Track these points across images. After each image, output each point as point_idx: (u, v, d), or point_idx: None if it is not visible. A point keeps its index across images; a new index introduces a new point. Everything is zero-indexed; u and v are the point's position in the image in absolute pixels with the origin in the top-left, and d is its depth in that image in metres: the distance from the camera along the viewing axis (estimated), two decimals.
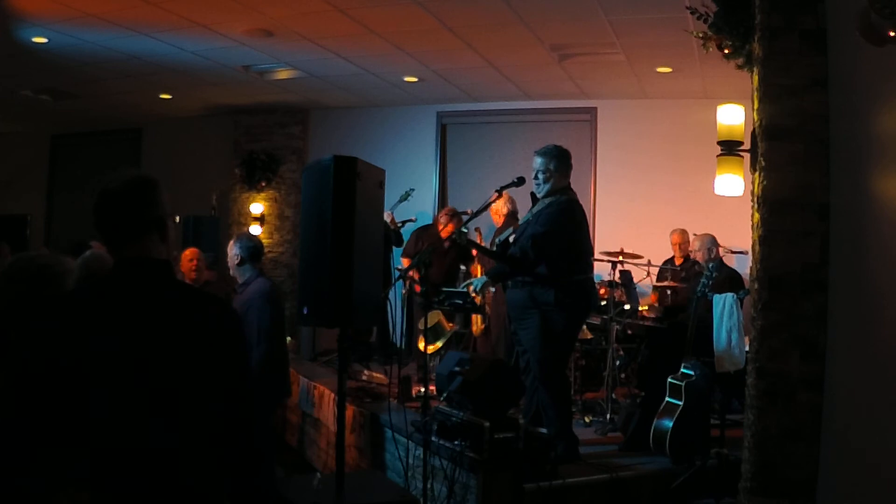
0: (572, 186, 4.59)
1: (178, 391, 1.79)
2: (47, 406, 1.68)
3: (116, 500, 1.69)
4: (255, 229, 9.24)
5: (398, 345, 6.81)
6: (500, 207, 6.28)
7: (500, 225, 6.53)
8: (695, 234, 6.43)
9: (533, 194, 4.50)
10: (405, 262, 6.96)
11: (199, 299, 1.95)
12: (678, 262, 6.88)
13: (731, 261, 6.81)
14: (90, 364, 1.71)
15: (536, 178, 4.39)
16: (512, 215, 6.48)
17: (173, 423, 1.77)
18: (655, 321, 5.93)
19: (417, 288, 6.49)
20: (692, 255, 6.27)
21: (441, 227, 6.73)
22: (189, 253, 5.94)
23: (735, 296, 4.37)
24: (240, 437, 1.90)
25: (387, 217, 7.28)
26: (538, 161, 4.39)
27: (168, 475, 1.75)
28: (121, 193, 1.85)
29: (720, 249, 6.40)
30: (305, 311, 3.38)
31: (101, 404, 1.71)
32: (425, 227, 7.18)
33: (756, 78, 3.31)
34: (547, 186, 4.38)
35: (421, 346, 5.20)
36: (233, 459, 1.88)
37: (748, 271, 3.56)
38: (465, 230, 4.38)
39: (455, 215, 6.74)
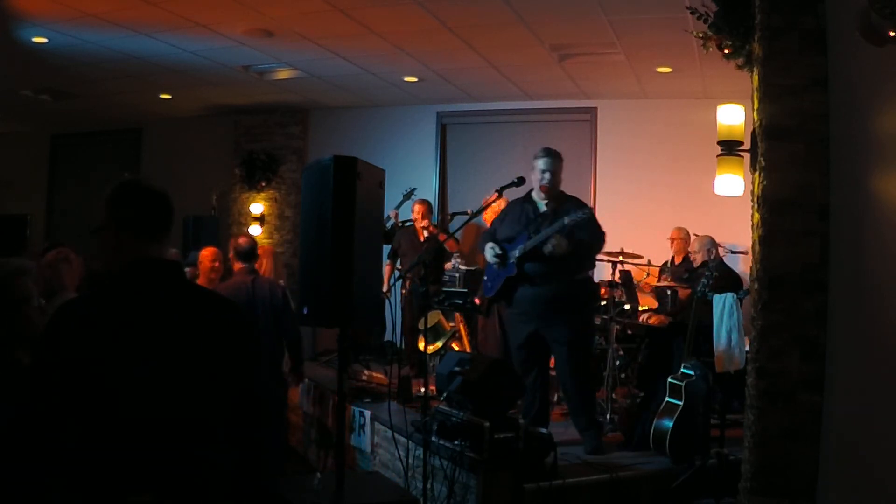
0: (572, 186, 4.75)
1: (197, 389, 1.83)
2: (72, 401, 1.71)
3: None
4: (255, 229, 9.24)
5: (398, 345, 6.82)
6: (498, 207, 6.34)
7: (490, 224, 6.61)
8: (695, 235, 6.43)
9: (529, 193, 4.68)
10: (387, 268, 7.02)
11: (211, 299, 2.02)
12: (678, 260, 6.88)
13: (735, 261, 6.81)
14: (118, 363, 1.74)
15: (542, 177, 4.55)
16: None
17: (192, 419, 1.82)
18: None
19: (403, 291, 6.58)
20: (691, 257, 6.26)
21: (415, 218, 6.83)
22: (209, 253, 5.75)
23: (735, 296, 4.36)
24: (246, 434, 1.92)
25: (391, 215, 7.30)
26: (548, 161, 4.55)
27: (179, 471, 1.77)
28: (164, 196, 1.93)
29: (720, 249, 6.40)
30: (305, 311, 3.37)
31: (127, 404, 1.74)
32: (405, 228, 7.23)
33: (756, 78, 3.31)
34: (555, 184, 4.59)
35: (421, 345, 5.20)
36: (239, 458, 1.90)
37: (748, 271, 3.56)
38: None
39: (426, 203, 6.97)
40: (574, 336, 4.50)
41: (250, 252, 5.01)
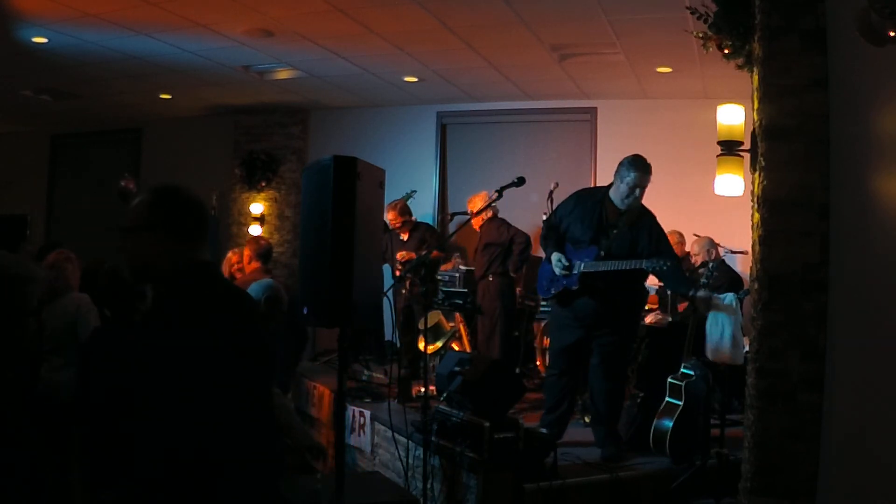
0: (572, 187, 4.71)
1: (239, 393, 1.89)
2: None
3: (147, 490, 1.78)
4: (255, 229, 9.25)
5: (397, 345, 6.82)
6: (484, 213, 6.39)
7: (479, 227, 6.60)
8: (695, 236, 6.43)
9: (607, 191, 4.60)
10: None
11: (250, 300, 2.12)
12: None
13: (735, 261, 6.81)
14: (199, 364, 1.80)
15: (634, 192, 4.49)
16: (495, 218, 6.57)
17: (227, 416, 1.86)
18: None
19: (416, 289, 6.51)
20: (692, 259, 6.26)
21: (394, 226, 6.80)
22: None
23: (735, 296, 4.37)
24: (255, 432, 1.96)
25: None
26: (645, 178, 4.55)
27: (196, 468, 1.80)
28: (202, 202, 2.03)
29: (720, 250, 6.40)
30: (305, 311, 3.37)
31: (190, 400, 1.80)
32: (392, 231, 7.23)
33: (756, 78, 3.31)
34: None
35: (421, 345, 5.20)
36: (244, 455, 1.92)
37: (748, 271, 3.56)
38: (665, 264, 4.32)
39: (394, 207, 6.82)
40: (621, 339, 4.50)
41: (269, 252, 5.47)
